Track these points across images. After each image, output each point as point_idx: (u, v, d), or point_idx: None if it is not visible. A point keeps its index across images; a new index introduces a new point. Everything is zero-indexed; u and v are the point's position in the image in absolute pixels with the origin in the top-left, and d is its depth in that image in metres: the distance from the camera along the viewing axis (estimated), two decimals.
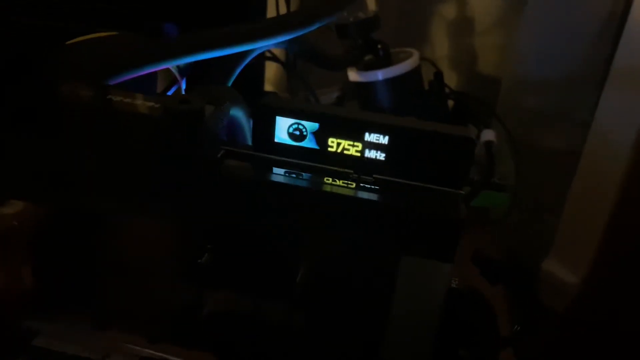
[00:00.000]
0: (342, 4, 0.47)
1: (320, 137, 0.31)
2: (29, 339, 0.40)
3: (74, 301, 0.39)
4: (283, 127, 0.31)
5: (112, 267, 0.37)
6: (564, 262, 0.63)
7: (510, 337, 0.34)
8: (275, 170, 0.31)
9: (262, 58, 0.64)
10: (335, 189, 0.30)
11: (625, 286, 0.57)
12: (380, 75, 0.62)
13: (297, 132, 0.31)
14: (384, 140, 0.30)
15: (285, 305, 0.33)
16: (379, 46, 0.63)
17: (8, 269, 0.40)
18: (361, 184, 0.30)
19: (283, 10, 0.70)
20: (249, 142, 0.36)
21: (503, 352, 0.34)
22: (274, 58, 0.66)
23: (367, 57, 0.64)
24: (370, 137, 0.30)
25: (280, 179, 0.30)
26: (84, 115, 0.30)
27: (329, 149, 0.31)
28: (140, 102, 0.30)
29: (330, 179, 0.30)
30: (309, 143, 0.31)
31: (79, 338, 0.40)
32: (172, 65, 0.38)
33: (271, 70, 0.79)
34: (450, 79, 0.71)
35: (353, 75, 0.64)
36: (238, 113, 0.36)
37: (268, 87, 0.78)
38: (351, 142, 0.30)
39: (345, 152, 0.30)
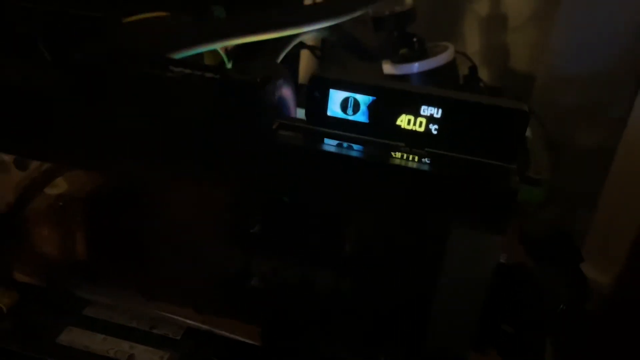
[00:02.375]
0: None
1: (374, 110, 0.31)
2: (80, 308, 0.41)
3: (123, 272, 0.41)
4: (337, 100, 0.32)
5: (160, 238, 0.38)
6: (596, 261, 0.62)
7: (556, 316, 0.34)
8: (328, 141, 0.31)
9: (297, 47, 0.65)
10: (387, 160, 0.30)
11: None
12: (415, 67, 0.62)
13: (351, 105, 0.31)
14: (437, 113, 0.30)
15: (334, 275, 0.34)
16: (415, 39, 0.63)
17: (60, 240, 0.41)
18: (413, 156, 0.30)
19: None
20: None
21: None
22: (311, 47, 0.67)
23: (403, 50, 0.64)
24: (424, 110, 0.30)
25: (333, 149, 0.31)
26: (145, 85, 0.31)
27: (383, 121, 0.31)
28: (201, 73, 0.31)
29: (382, 151, 0.31)
30: (361, 116, 0.32)
31: (127, 308, 0.41)
32: (225, 45, 0.39)
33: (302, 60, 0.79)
34: (483, 74, 0.71)
35: (388, 68, 0.64)
36: (286, 89, 0.37)
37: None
38: (405, 115, 0.31)
39: (399, 125, 0.31)
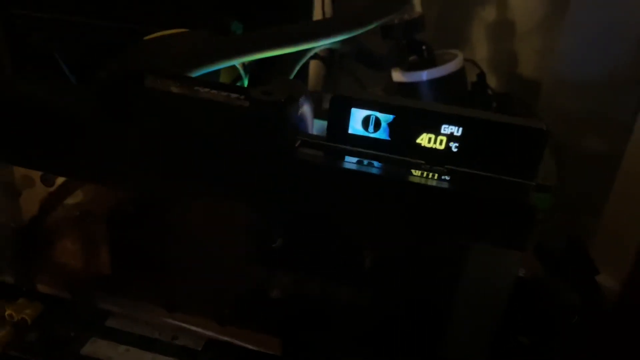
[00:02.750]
0: (400, 3, 0.48)
1: (395, 128, 0.32)
2: (103, 319, 0.42)
3: (146, 284, 0.41)
4: (358, 118, 0.32)
5: (183, 251, 0.39)
6: (603, 266, 0.63)
7: (570, 326, 0.35)
8: (348, 158, 0.32)
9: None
10: (407, 177, 0.31)
11: None
12: (424, 75, 0.63)
13: (372, 124, 0.32)
14: (457, 131, 0.31)
15: (354, 288, 0.35)
16: (423, 47, 0.64)
17: (83, 253, 0.42)
18: (432, 174, 0.31)
19: (328, 10, 0.72)
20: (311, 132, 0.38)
21: None
22: (321, 57, 0.67)
23: (411, 58, 0.65)
24: (444, 129, 0.31)
25: (353, 167, 0.32)
26: (171, 104, 0.32)
27: (403, 139, 0.32)
28: (226, 94, 0.31)
29: (403, 168, 0.31)
30: (382, 134, 0.32)
31: (149, 319, 0.42)
32: (244, 61, 0.40)
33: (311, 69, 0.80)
34: (490, 81, 0.72)
35: (397, 76, 0.65)
36: (306, 106, 0.37)
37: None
38: (425, 134, 0.31)
39: (419, 143, 0.32)
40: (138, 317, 0.42)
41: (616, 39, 0.65)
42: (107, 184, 0.38)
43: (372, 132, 0.32)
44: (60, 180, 0.39)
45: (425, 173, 0.31)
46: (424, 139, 0.32)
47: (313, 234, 0.35)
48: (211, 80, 0.36)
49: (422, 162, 0.32)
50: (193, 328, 0.41)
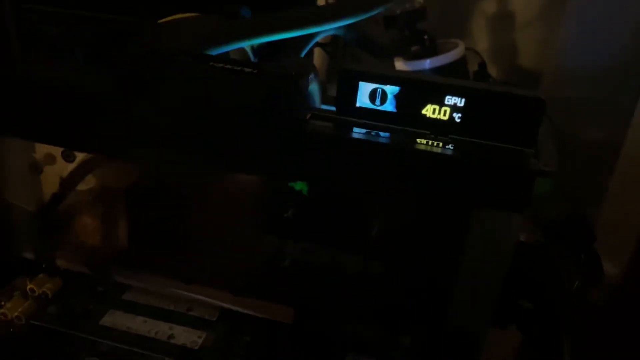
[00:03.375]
0: None
1: (400, 100, 0.34)
2: (120, 293, 0.44)
3: (161, 257, 0.43)
4: (365, 92, 0.34)
5: (197, 223, 0.41)
6: (604, 253, 0.64)
7: (572, 291, 0.36)
8: (357, 130, 0.34)
9: None
10: (413, 146, 0.32)
11: None
12: (427, 64, 0.64)
13: (379, 96, 0.34)
14: (460, 102, 0.33)
15: (361, 257, 0.36)
16: (425, 37, 0.65)
17: (100, 229, 0.43)
18: (437, 143, 0.33)
19: None
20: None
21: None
22: (325, 47, 0.69)
23: (414, 47, 0.66)
24: (448, 100, 0.33)
25: (361, 137, 0.33)
26: (187, 79, 0.34)
27: (409, 111, 0.33)
28: (240, 68, 0.33)
29: (409, 138, 0.33)
30: (389, 106, 0.34)
31: (165, 292, 0.43)
32: (254, 43, 0.42)
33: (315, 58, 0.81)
34: (492, 72, 0.73)
35: (400, 65, 0.66)
36: (315, 83, 0.39)
37: None
38: (430, 105, 0.33)
39: (424, 114, 0.33)
40: (154, 290, 0.43)
41: (615, 28, 0.67)
42: (124, 158, 0.39)
43: (379, 105, 0.34)
44: (80, 157, 0.41)
45: (430, 142, 0.33)
46: (428, 110, 0.33)
47: (322, 204, 0.36)
48: (225, 56, 0.37)
49: (427, 132, 0.33)
50: (207, 299, 0.42)
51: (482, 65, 0.70)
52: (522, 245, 0.35)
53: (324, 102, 0.40)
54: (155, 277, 0.43)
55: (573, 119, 0.72)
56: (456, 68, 0.66)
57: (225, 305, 0.42)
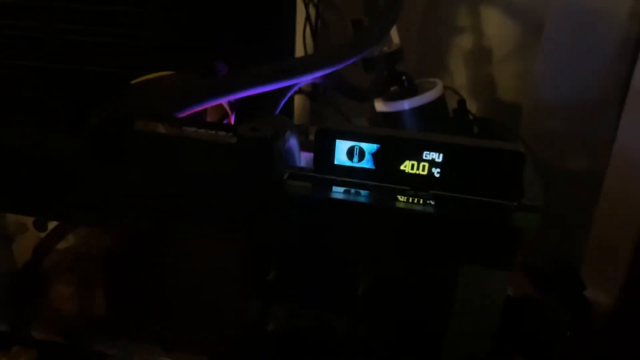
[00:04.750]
0: (379, 37, 0.50)
1: (378, 157, 0.33)
2: None
3: (140, 325, 0.41)
4: (343, 150, 0.33)
5: (176, 289, 0.39)
6: (594, 282, 0.64)
7: (563, 343, 0.35)
8: (336, 189, 0.33)
9: None
10: (393, 204, 0.32)
11: None
12: (406, 104, 0.65)
13: (357, 154, 0.33)
14: (438, 157, 0.32)
15: (349, 316, 0.35)
16: (404, 77, 0.66)
17: (77, 296, 0.42)
18: (418, 199, 0.32)
19: (309, 46, 0.74)
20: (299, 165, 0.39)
21: None
22: (305, 92, 0.69)
23: (393, 88, 0.67)
24: (426, 155, 0.32)
25: (341, 197, 0.33)
26: (161, 145, 0.33)
27: (387, 167, 0.33)
28: (214, 132, 0.32)
29: (389, 196, 0.32)
30: (367, 163, 0.33)
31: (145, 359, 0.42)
32: (230, 99, 0.41)
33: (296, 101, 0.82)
34: (471, 107, 0.74)
35: (380, 106, 0.66)
36: (293, 139, 0.38)
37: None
38: (408, 161, 0.33)
39: (403, 169, 0.33)
40: (133, 358, 0.42)
41: (590, 59, 0.68)
42: (100, 226, 0.38)
43: (357, 162, 0.34)
44: (52, 225, 0.39)
45: (410, 199, 0.32)
46: (407, 166, 0.33)
47: (305, 265, 0.35)
48: (198, 120, 0.37)
49: (407, 188, 0.33)
50: None
51: (462, 102, 0.70)
52: (512, 300, 0.35)
53: (305, 148, 0.39)
54: (134, 345, 0.42)
55: (555, 149, 0.73)
56: (436, 106, 0.66)
57: None
